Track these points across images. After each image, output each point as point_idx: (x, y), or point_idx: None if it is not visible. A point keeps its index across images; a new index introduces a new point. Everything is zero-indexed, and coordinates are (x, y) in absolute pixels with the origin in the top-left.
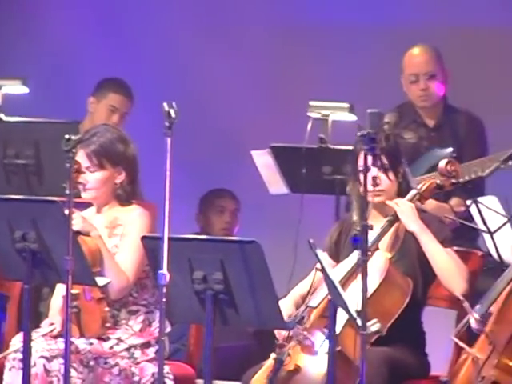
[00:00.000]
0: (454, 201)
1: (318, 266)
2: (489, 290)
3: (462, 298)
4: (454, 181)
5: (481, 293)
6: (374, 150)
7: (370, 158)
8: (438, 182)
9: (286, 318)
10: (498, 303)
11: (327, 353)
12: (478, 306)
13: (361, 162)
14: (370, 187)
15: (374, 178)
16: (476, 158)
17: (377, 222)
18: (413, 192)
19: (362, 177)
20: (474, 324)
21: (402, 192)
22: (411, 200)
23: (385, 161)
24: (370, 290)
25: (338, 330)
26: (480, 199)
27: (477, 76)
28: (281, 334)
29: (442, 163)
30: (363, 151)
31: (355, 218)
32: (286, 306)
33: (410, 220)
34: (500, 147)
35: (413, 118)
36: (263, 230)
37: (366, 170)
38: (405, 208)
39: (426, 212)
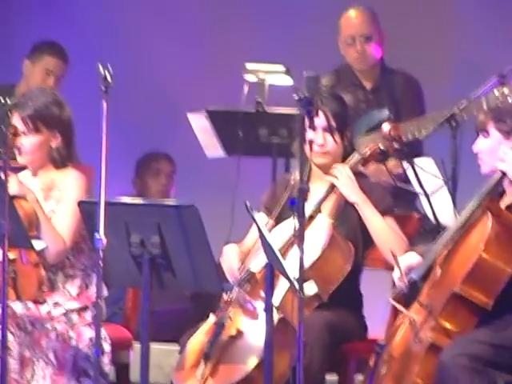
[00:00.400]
0: (391, 163)
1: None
2: (426, 251)
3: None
4: (397, 146)
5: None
6: (311, 113)
7: (308, 120)
8: (382, 147)
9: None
10: (434, 266)
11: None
12: (415, 269)
13: (301, 124)
14: (316, 148)
15: (310, 142)
16: (413, 119)
17: (321, 183)
18: (356, 156)
19: (306, 138)
20: (397, 281)
21: (347, 156)
22: (355, 164)
23: (332, 122)
24: (314, 256)
25: (280, 295)
26: (417, 161)
27: (413, 37)
28: (223, 297)
29: (386, 128)
30: (301, 113)
31: (296, 178)
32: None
33: (352, 192)
34: (436, 107)
35: (350, 81)
36: (200, 193)
37: (303, 133)
38: (345, 181)
39: (366, 177)
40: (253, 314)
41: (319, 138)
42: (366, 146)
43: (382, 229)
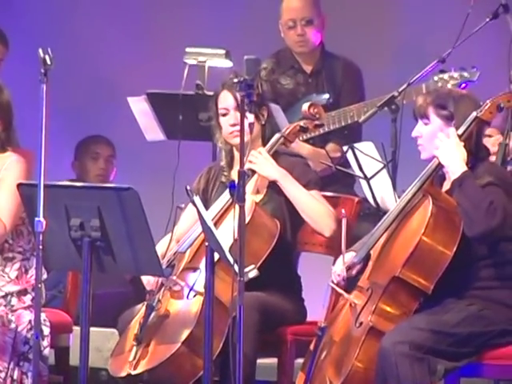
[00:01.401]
0: (330, 146)
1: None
2: (366, 236)
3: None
4: (317, 123)
5: (358, 238)
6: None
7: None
8: (302, 124)
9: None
10: (375, 250)
11: (196, 295)
12: (355, 252)
13: (221, 104)
14: (230, 129)
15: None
16: (353, 103)
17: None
18: (277, 136)
19: (222, 122)
20: (338, 270)
21: (265, 135)
22: (275, 143)
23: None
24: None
25: None
26: (356, 145)
27: (352, 22)
28: (149, 281)
29: (305, 106)
30: (223, 94)
31: (223, 163)
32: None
33: (269, 171)
34: (376, 93)
35: (290, 64)
36: (140, 177)
37: (243, 115)
38: (259, 161)
39: (301, 157)
40: (181, 295)
41: (231, 118)
42: (287, 126)
43: (305, 200)
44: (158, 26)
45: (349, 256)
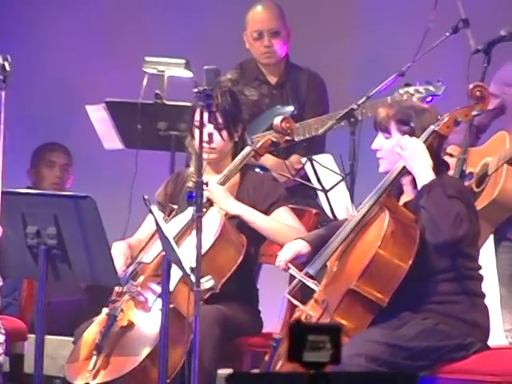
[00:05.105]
0: (294, 158)
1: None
2: (323, 248)
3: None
4: (288, 138)
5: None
6: (211, 106)
7: (205, 115)
8: (273, 139)
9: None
10: (331, 262)
11: (160, 309)
12: (311, 264)
13: (197, 117)
14: (204, 144)
15: (209, 135)
16: (317, 115)
17: (212, 179)
18: (248, 149)
19: (197, 133)
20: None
21: (238, 152)
22: (246, 156)
23: (219, 119)
24: (205, 246)
25: (172, 286)
26: (315, 157)
27: (317, 34)
28: (115, 289)
29: (277, 120)
30: (198, 107)
31: (191, 171)
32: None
33: (227, 205)
34: (340, 106)
35: (255, 75)
36: (98, 186)
37: (202, 126)
38: (217, 196)
39: (267, 170)
40: (144, 306)
41: (204, 134)
42: (258, 139)
43: (271, 227)
44: (117, 35)
45: (297, 243)
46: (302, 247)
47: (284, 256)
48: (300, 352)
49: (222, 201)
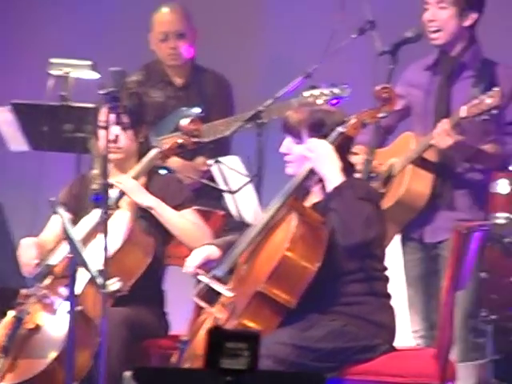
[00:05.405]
0: (199, 160)
1: None
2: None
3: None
4: (196, 140)
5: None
6: (117, 108)
7: (111, 116)
8: (181, 140)
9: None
10: (239, 265)
11: (67, 312)
12: (219, 266)
13: (101, 118)
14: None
15: (115, 136)
16: (223, 117)
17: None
18: (155, 151)
19: (101, 133)
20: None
21: (143, 152)
22: (153, 158)
23: (125, 119)
24: (113, 248)
25: (79, 289)
26: (222, 159)
27: (223, 36)
28: (22, 292)
29: (185, 122)
30: (104, 108)
31: (95, 173)
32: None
33: (140, 197)
34: (246, 107)
35: (160, 77)
36: (3, 188)
37: (108, 126)
38: (130, 186)
39: (172, 171)
40: (51, 309)
41: (110, 134)
42: (166, 141)
43: (179, 224)
44: (23, 37)
45: (207, 249)
46: (212, 252)
47: (193, 262)
48: (217, 358)
49: (135, 192)
